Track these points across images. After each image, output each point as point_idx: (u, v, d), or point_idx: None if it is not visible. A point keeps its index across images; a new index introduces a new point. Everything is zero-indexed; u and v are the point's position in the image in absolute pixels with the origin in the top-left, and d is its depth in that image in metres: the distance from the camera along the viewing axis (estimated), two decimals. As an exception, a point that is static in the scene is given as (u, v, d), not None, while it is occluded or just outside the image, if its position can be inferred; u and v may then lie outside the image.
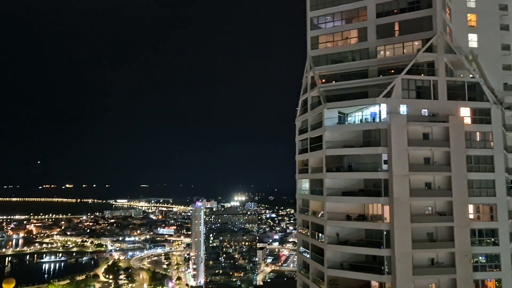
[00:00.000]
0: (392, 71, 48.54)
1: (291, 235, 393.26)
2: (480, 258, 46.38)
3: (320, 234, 49.76)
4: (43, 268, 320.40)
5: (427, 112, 47.02)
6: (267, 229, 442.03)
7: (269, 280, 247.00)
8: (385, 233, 43.99)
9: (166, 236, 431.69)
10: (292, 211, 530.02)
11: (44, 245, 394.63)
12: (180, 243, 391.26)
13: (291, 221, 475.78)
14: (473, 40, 52.95)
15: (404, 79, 46.74)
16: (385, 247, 43.61)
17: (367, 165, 47.31)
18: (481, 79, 49.17)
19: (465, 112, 47.71)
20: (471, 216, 46.47)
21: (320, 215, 50.66)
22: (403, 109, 46.39)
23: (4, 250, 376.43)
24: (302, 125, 57.10)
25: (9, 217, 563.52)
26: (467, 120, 47.47)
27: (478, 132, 47.70)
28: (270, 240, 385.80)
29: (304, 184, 57.12)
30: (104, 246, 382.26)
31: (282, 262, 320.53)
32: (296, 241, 73.32)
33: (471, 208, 46.72)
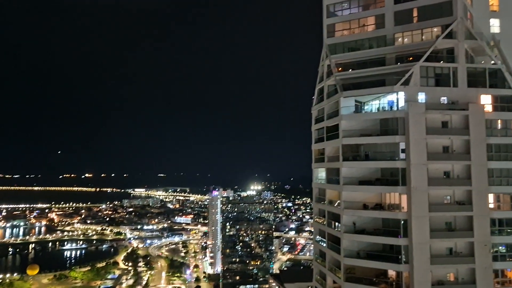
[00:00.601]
0: (410, 58, 47.51)
1: (307, 224, 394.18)
2: (500, 248, 45.56)
3: (336, 223, 49.61)
4: (65, 255, 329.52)
5: (446, 100, 46.03)
6: (284, 218, 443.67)
7: (285, 269, 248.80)
8: (402, 222, 43.56)
9: (183, 224, 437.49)
10: (309, 200, 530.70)
11: (66, 233, 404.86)
12: (197, 232, 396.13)
13: (307, 210, 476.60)
14: (495, 25, 51.24)
15: (422, 66, 45.75)
16: (402, 236, 43.26)
17: (384, 154, 46.78)
18: (503, 65, 47.78)
19: (486, 100, 46.48)
20: (491, 206, 45.56)
21: (336, 204, 50.49)
22: (421, 97, 45.50)
23: (27, 237, 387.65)
24: (318, 114, 56.70)
25: (31, 205, 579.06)
26: (488, 108, 46.29)
27: (499, 120, 46.49)
28: (287, 229, 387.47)
29: (320, 173, 56.94)
30: (123, 234, 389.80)
31: (298, 251, 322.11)
32: (313, 230, 73.33)
33: (491, 197, 45.79)
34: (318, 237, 56.68)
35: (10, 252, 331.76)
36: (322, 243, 54.11)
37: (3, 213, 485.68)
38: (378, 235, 45.56)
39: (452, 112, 45.12)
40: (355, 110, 49.35)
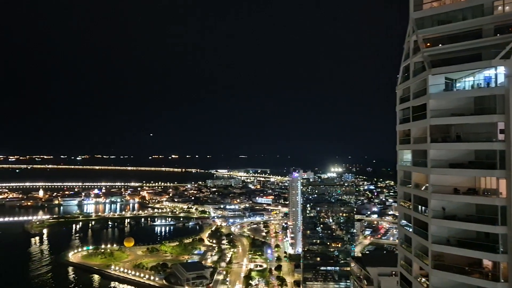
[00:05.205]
0: (512, 28, 42.67)
1: (390, 207, 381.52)
2: None
3: (423, 208, 47.06)
4: (156, 230, 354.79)
5: (556, 73, 40.77)
6: (365, 201, 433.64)
7: (367, 252, 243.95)
8: (500, 209, 40.01)
9: (264, 205, 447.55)
10: (392, 183, 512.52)
11: (156, 210, 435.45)
12: (278, 212, 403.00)
13: (391, 194, 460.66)
14: None
15: (527, 36, 40.82)
16: (500, 224, 39.68)
17: (479, 135, 42.82)
18: None
19: None
20: None
21: (423, 188, 47.89)
22: (525, 71, 40.79)
23: (123, 213, 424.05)
24: (404, 93, 53.64)
25: (126, 184, 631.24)
26: None
27: None
28: (369, 212, 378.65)
29: (406, 155, 54.22)
30: (207, 213, 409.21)
31: (381, 235, 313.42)
32: (397, 214, 70.64)
33: None
34: (403, 221, 54.39)
35: (110, 226, 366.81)
36: (408, 228, 51.83)
37: (103, 190, 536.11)
38: (471, 221, 42.18)
39: None
40: (445, 88, 45.73)
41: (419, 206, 48.12)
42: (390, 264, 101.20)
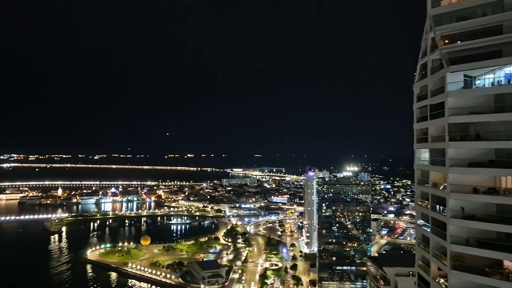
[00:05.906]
0: (535, 24, 41.55)
1: (407, 207, 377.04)
2: None
3: (441, 207, 46.31)
4: (172, 228, 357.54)
5: None
6: (382, 200, 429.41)
7: (384, 252, 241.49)
8: (521, 209, 39.13)
9: (279, 204, 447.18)
10: (409, 182, 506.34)
11: (172, 209, 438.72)
12: (293, 212, 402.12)
13: (408, 193, 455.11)
14: None
15: (550, 32, 39.81)
16: (521, 224, 38.87)
17: (500, 133, 41.88)
18: None
19: None
20: None
21: (442, 187, 47.11)
22: (548, 67, 39.80)
23: (140, 211, 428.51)
24: (421, 91, 52.83)
25: (142, 182, 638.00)
26: None
27: None
28: (385, 212, 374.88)
29: (423, 154, 53.42)
30: (222, 212, 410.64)
31: (398, 234, 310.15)
32: (414, 213, 69.69)
33: None
34: (420, 221, 53.66)
35: (127, 224, 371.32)
36: (425, 228, 51.10)
37: (120, 189, 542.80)
38: (491, 221, 41.36)
39: None
40: (464, 86, 44.92)
41: (437, 206, 47.38)
42: (407, 264, 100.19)
